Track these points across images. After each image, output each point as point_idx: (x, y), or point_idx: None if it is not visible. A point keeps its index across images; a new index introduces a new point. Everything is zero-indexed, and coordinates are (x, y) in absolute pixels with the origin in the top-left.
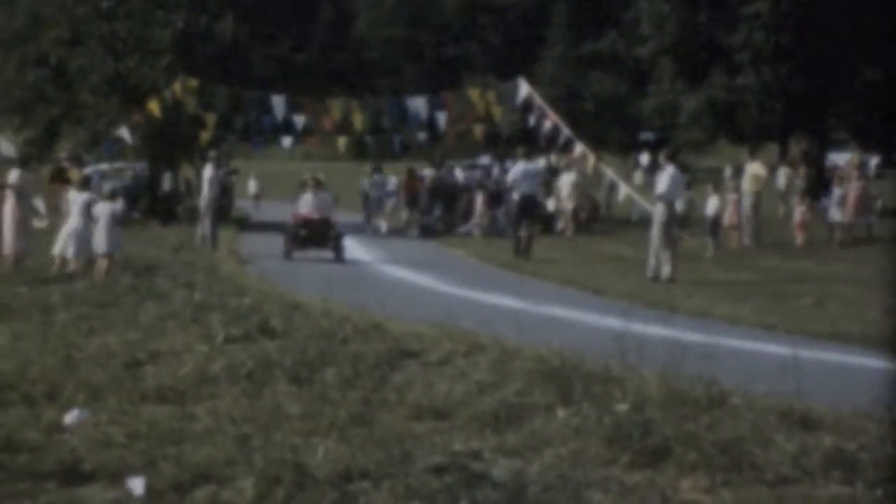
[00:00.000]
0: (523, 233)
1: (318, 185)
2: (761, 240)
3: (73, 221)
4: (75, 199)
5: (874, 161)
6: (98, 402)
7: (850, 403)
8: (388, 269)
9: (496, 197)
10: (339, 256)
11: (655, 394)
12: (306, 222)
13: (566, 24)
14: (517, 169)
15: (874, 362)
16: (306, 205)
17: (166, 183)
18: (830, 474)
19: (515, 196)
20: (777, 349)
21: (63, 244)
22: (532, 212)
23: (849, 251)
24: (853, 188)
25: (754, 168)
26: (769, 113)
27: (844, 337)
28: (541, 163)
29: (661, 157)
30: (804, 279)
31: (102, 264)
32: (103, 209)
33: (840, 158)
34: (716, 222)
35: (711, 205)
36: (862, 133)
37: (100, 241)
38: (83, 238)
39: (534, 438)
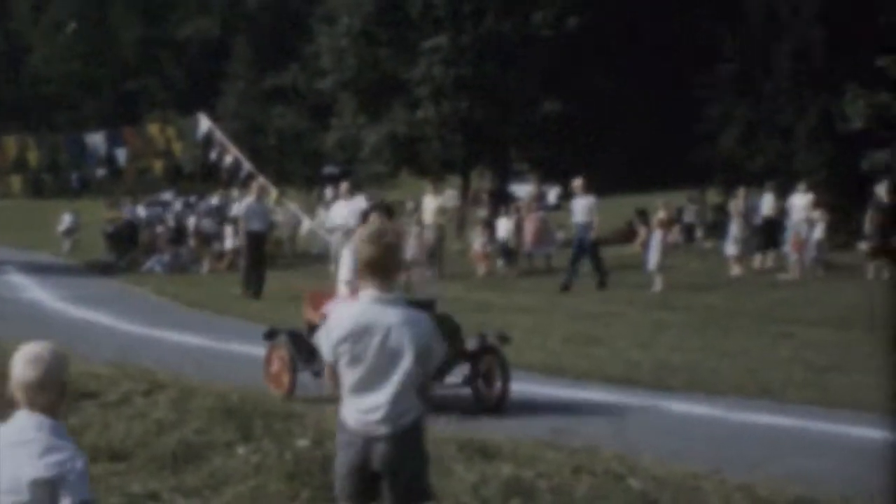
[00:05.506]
0: (252, 270)
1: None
2: (443, 271)
3: None
4: None
5: (554, 192)
6: None
7: (525, 433)
8: (66, 307)
9: (179, 232)
10: (496, 398)
11: (335, 429)
12: None
13: (248, 57)
14: (246, 204)
15: (553, 390)
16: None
17: None
18: (510, 502)
19: (244, 231)
20: (453, 380)
21: None
22: (261, 248)
23: (529, 281)
24: (531, 219)
25: (442, 200)
26: (450, 146)
27: (526, 366)
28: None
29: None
30: (487, 309)
31: None
32: None
33: (521, 190)
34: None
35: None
36: (542, 165)
37: None
38: None
39: (213, 477)
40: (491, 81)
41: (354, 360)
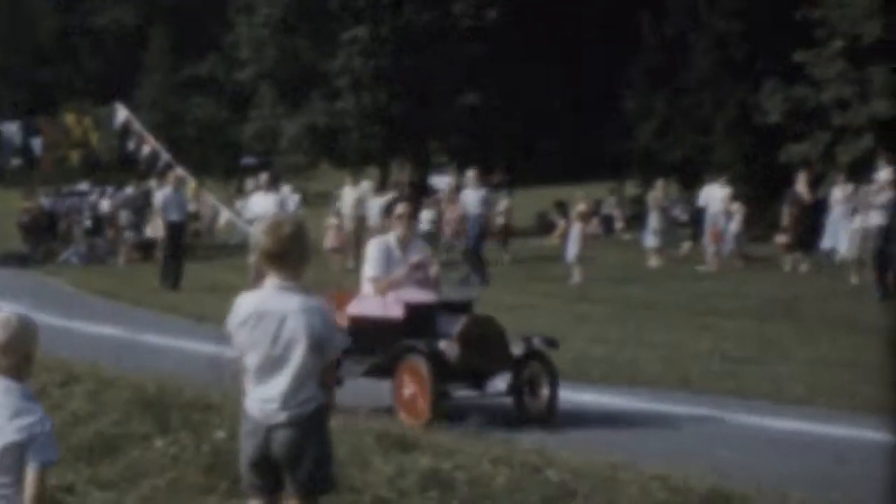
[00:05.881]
0: (171, 261)
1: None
2: (360, 262)
3: None
4: None
5: None
6: None
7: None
8: None
9: (96, 223)
10: (543, 407)
11: None
12: (415, 312)
13: (166, 47)
14: (163, 195)
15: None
16: (395, 268)
17: None
18: (427, 493)
19: (164, 222)
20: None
21: None
22: (180, 239)
23: (447, 272)
24: (451, 211)
25: (360, 192)
26: (370, 137)
27: None
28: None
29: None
30: None
31: None
32: None
33: (441, 182)
34: None
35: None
36: (461, 156)
37: None
38: None
39: (130, 470)
40: (410, 73)
41: (252, 346)
